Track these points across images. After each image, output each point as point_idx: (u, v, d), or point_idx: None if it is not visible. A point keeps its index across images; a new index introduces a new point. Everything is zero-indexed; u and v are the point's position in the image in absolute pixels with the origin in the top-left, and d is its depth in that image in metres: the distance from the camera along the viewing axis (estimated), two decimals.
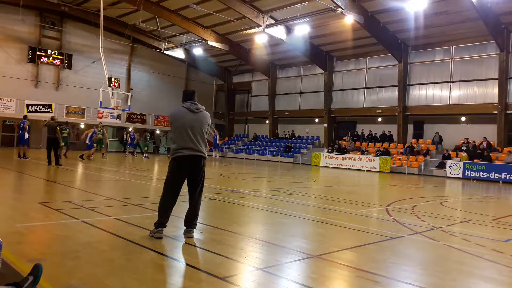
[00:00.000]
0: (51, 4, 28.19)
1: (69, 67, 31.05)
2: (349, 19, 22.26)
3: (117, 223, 5.77)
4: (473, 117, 24.83)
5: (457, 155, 22.87)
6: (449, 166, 21.68)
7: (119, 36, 32.71)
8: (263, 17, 25.73)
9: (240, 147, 35.30)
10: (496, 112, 22.61)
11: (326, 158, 27.20)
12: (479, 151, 22.18)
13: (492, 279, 4.16)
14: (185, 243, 4.84)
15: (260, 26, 25.69)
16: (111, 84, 26.77)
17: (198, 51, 33.19)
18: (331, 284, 3.83)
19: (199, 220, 5.35)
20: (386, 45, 25.67)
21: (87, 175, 13.26)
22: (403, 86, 26.48)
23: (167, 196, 5.06)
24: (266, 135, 35.82)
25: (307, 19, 24.00)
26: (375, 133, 28.53)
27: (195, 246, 4.78)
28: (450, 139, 25.11)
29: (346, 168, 25.56)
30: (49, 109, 28.69)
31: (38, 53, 29.44)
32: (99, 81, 28.39)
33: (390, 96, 27.69)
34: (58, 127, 15.64)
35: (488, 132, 23.26)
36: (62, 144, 19.42)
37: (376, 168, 24.47)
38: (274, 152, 31.78)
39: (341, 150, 27.63)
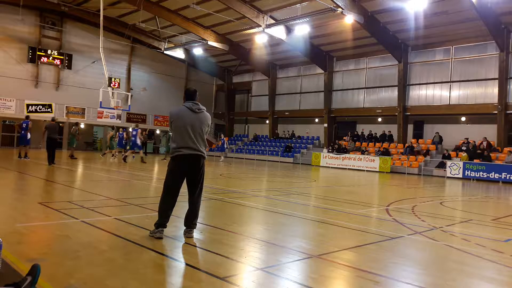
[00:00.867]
0: (51, 4, 28.22)
1: (69, 67, 31.06)
2: (349, 19, 22.27)
3: (117, 223, 5.77)
4: (473, 117, 24.84)
5: (457, 155, 22.87)
6: (449, 166, 21.68)
7: (119, 36, 32.71)
8: (263, 17, 25.73)
9: (240, 147, 35.30)
10: (496, 112, 22.61)
11: (326, 158, 27.20)
12: (479, 151, 22.18)
13: (492, 279, 4.15)
14: (185, 243, 4.84)
15: (260, 26, 25.70)
16: (111, 84, 26.77)
17: (198, 51, 33.18)
18: (331, 284, 3.83)
19: (199, 220, 5.35)
20: (386, 45, 25.67)
21: (87, 175, 13.26)
22: (403, 86, 26.48)
23: (166, 196, 5.06)
24: (266, 135, 35.82)
25: (307, 19, 23.99)
26: (375, 133, 28.54)
27: (195, 246, 4.78)
28: (450, 139, 25.11)
29: (346, 168, 25.55)
30: (49, 109, 28.68)
31: (38, 53, 29.45)
32: (99, 81, 28.42)
33: (390, 96, 27.70)
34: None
35: (488, 132, 23.25)
36: (74, 145, 19.63)
37: (376, 168, 24.47)
38: (274, 152, 31.78)
39: (341, 150, 27.62)
